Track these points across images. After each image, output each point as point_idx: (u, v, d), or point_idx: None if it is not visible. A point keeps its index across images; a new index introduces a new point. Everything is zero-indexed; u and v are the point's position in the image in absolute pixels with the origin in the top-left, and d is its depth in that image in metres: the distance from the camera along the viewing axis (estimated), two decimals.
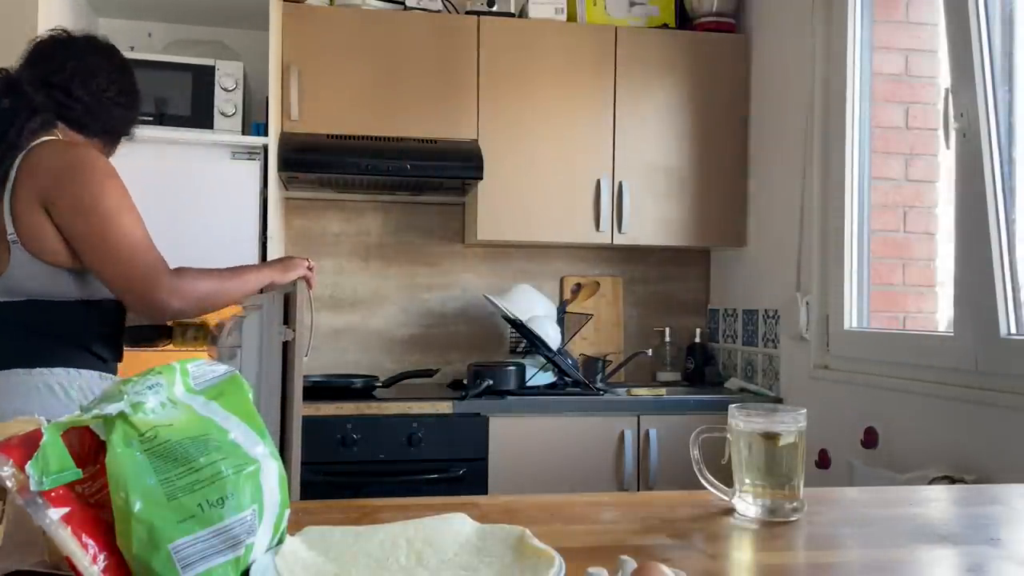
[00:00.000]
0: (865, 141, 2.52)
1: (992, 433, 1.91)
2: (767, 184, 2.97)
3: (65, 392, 1.56)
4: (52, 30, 1.71)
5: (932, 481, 1.94)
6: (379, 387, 2.76)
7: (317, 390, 2.67)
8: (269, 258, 2.57)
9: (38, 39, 1.70)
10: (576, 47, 2.96)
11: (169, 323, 1.97)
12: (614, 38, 2.98)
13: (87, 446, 0.69)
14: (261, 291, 1.80)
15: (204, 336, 2.00)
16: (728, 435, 1.03)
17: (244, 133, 2.68)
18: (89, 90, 1.67)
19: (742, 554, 0.80)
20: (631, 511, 1.01)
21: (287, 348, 1.76)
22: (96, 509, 0.66)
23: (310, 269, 1.91)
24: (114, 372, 1.71)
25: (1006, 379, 1.90)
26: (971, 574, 0.82)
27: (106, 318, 1.66)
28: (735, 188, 3.08)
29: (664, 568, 0.70)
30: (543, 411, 2.64)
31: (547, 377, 2.88)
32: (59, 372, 1.56)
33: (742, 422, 1.01)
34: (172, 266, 1.63)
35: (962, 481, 1.91)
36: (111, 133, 1.77)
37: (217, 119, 2.63)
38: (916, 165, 2.51)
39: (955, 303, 2.08)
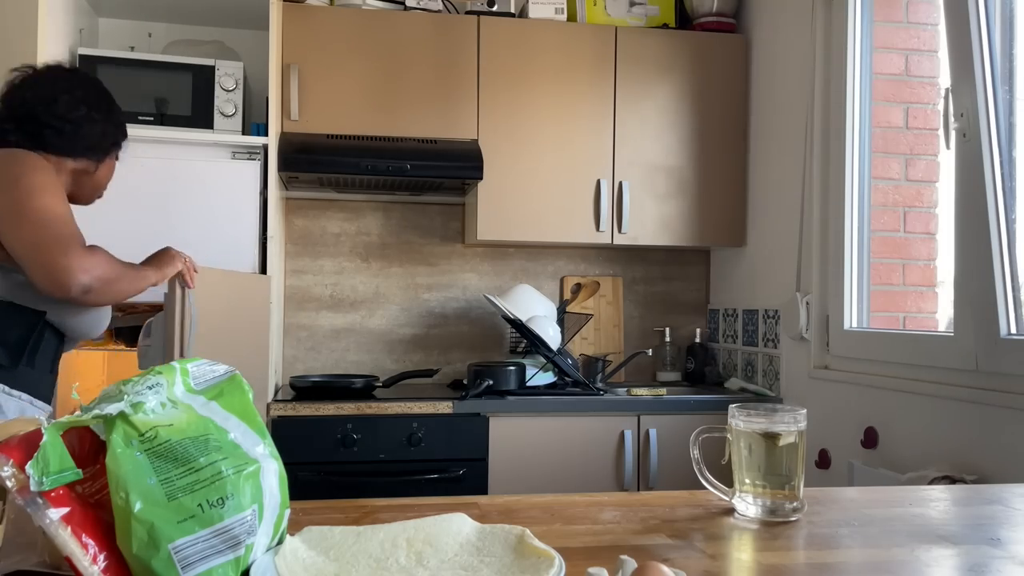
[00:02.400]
0: (865, 141, 2.52)
1: (992, 433, 1.91)
2: (767, 184, 2.97)
3: None
4: (17, 68, 1.78)
5: (932, 481, 1.94)
6: (379, 387, 2.76)
7: (317, 390, 2.67)
8: (269, 258, 2.57)
9: (6, 80, 1.77)
10: (576, 47, 2.96)
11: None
12: (614, 38, 2.98)
13: (87, 446, 0.69)
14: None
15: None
16: (728, 435, 1.03)
17: (244, 133, 2.68)
18: (55, 115, 1.70)
19: (742, 554, 0.80)
20: (631, 511, 1.01)
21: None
22: (96, 509, 0.66)
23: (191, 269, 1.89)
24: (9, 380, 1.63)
25: (1006, 379, 1.90)
26: (971, 574, 0.82)
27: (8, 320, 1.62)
28: (735, 188, 3.08)
29: (664, 568, 0.70)
30: (543, 411, 2.64)
31: (547, 377, 2.88)
32: None
33: (742, 422, 1.01)
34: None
35: (962, 481, 1.91)
36: (96, 149, 1.79)
37: (217, 119, 2.63)
38: (916, 165, 2.51)
39: (955, 303, 2.08)
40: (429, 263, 3.20)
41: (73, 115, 1.72)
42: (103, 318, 1.76)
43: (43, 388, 1.68)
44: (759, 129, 3.03)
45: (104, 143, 1.80)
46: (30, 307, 1.62)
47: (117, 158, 1.86)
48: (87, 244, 1.61)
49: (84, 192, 1.83)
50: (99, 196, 1.88)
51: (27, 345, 1.64)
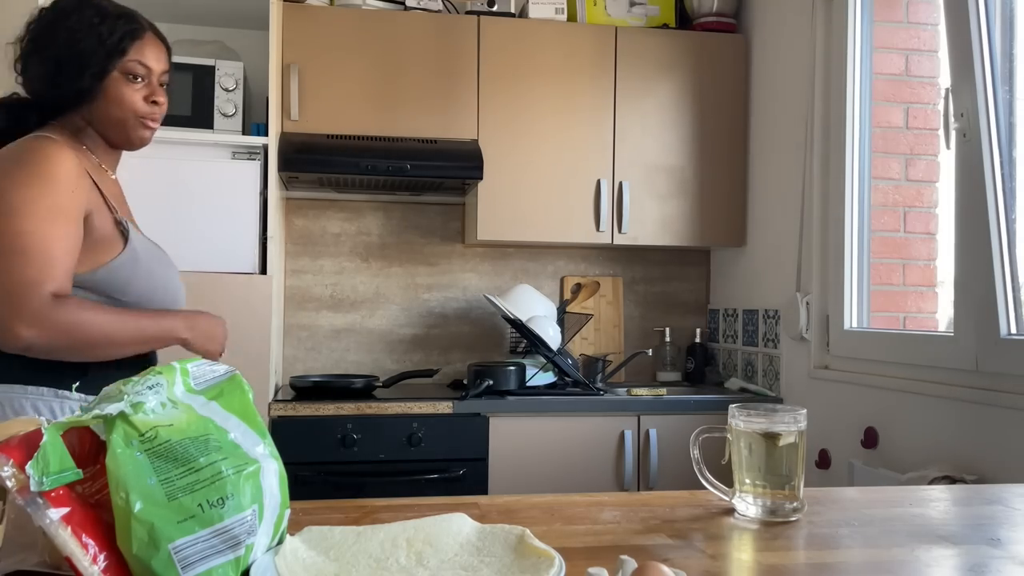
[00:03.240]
0: (865, 141, 2.52)
1: (992, 433, 1.91)
2: (767, 184, 2.97)
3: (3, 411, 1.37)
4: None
5: (932, 481, 1.94)
6: (379, 387, 2.76)
7: (317, 390, 2.67)
8: (269, 258, 2.57)
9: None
10: (576, 47, 2.95)
11: None
12: (614, 38, 2.98)
13: (87, 446, 0.69)
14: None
15: None
16: (728, 435, 1.03)
17: (244, 133, 2.68)
18: (19, 70, 1.46)
19: (742, 554, 0.80)
20: (631, 511, 1.01)
21: None
22: (96, 509, 0.66)
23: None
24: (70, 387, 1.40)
25: (1006, 379, 1.90)
26: (971, 574, 0.82)
27: None
28: (735, 188, 3.08)
29: (664, 568, 0.70)
30: (543, 411, 2.64)
31: (547, 377, 2.88)
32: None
33: (742, 422, 1.01)
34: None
35: (962, 481, 1.91)
36: (55, 106, 1.46)
37: (217, 119, 2.63)
38: (916, 165, 2.51)
39: (955, 303, 2.08)
40: (429, 263, 3.20)
41: (22, 63, 1.45)
42: (176, 301, 1.53)
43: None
44: (759, 129, 3.03)
45: (52, 92, 1.44)
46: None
47: (132, 75, 1.46)
48: (62, 289, 1.32)
49: (113, 133, 1.49)
50: (142, 125, 1.50)
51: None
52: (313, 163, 2.67)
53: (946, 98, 2.09)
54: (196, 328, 1.50)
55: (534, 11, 2.98)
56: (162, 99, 1.52)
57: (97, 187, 1.44)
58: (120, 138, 1.51)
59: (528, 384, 2.81)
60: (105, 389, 0.74)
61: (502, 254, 3.25)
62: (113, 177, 1.58)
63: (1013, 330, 1.94)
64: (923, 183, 2.51)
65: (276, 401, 2.54)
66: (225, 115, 2.64)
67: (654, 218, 3.01)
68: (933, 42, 2.50)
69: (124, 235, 1.46)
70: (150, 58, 1.49)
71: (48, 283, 1.30)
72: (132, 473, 0.65)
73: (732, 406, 1.03)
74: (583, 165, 2.95)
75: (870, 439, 2.31)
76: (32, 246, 1.30)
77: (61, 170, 1.35)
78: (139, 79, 1.47)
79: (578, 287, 3.29)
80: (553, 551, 0.76)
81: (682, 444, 2.69)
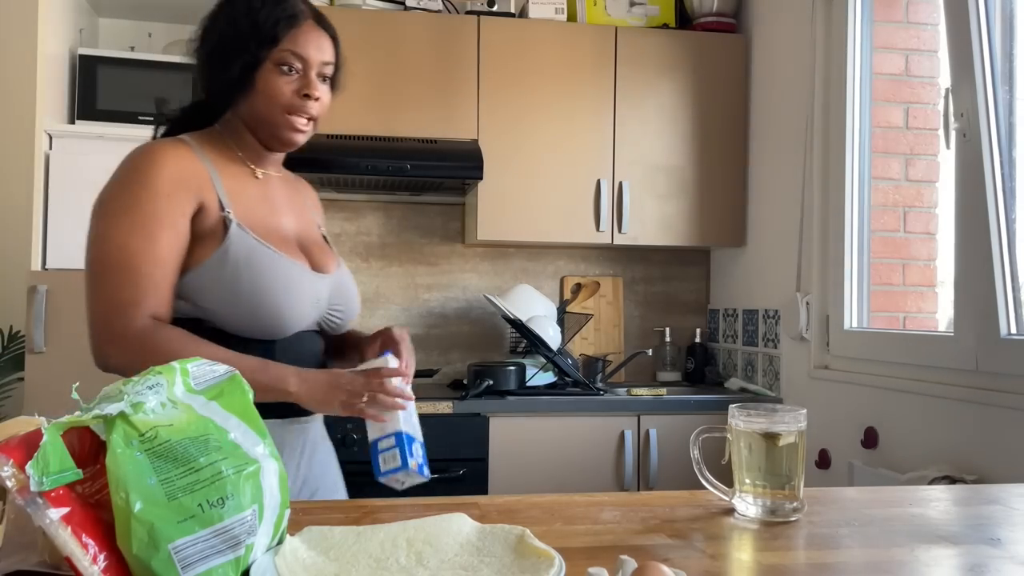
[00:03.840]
0: (865, 141, 2.52)
1: (992, 433, 1.91)
2: (767, 184, 2.97)
3: None
4: None
5: (932, 481, 1.94)
6: None
7: None
8: None
9: None
10: (576, 47, 2.95)
11: None
12: (614, 38, 2.98)
13: (87, 446, 0.68)
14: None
15: None
16: (728, 435, 1.03)
17: None
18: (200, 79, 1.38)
19: (742, 554, 0.80)
20: (631, 511, 1.00)
21: None
22: (96, 509, 0.66)
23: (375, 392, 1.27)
24: None
25: (1006, 379, 1.90)
26: (971, 574, 0.82)
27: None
28: (735, 188, 3.08)
29: (664, 568, 0.70)
30: (543, 411, 2.64)
31: (547, 377, 2.88)
32: None
33: (742, 422, 1.01)
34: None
35: (962, 481, 1.91)
36: (214, 102, 1.38)
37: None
38: (916, 165, 2.51)
39: (955, 303, 2.08)
40: (429, 263, 3.20)
41: (195, 65, 1.37)
42: (274, 316, 1.29)
43: None
44: (759, 129, 3.03)
45: (218, 91, 1.35)
46: (185, 316, 1.28)
47: (285, 66, 1.32)
48: (158, 320, 1.23)
49: (261, 131, 1.36)
50: (289, 124, 1.34)
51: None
52: (313, 163, 2.67)
53: (946, 98, 2.09)
54: (309, 381, 1.25)
55: (534, 11, 2.98)
56: (317, 93, 1.33)
57: (214, 186, 1.30)
58: (267, 136, 1.36)
59: (528, 384, 2.81)
60: (105, 389, 0.74)
61: (502, 254, 3.25)
62: (260, 176, 1.40)
63: (1013, 330, 1.94)
64: (923, 183, 2.51)
65: None
66: None
67: (654, 218, 3.01)
68: (933, 42, 2.50)
69: (225, 232, 1.29)
70: (307, 47, 1.33)
71: (144, 304, 1.21)
72: (132, 473, 0.65)
73: (732, 406, 1.03)
74: (583, 165, 2.95)
75: (870, 439, 2.31)
76: (128, 262, 1.22)
77: (158, 174, 1.25)
78: (292, 71, 1.32)
79: (578, 287, 3.29)
80: (553, 551, 0.76)
81: (682, 444, 2.69)
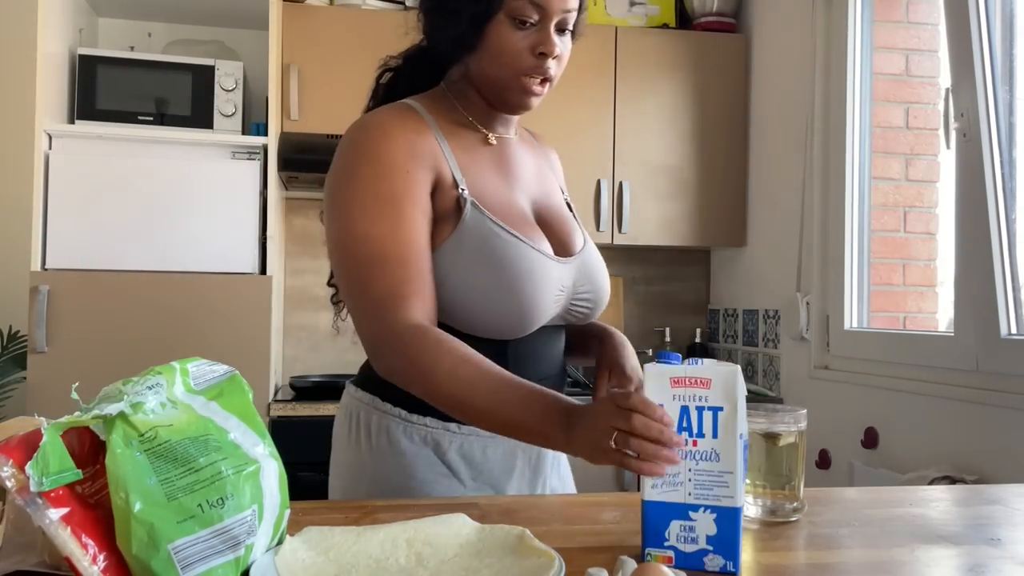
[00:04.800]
0: (865, 141, 2.52)
1: (992, 433, 1.91)
2: (767, 184, 2.97)
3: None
4: None
5: (932, 481, 1.94)
6: None
7: (317, 390, 2.67)
8: (269, 258, 2.57)
9: None
10: (576, 47, 2.94)
11: None
12: (614, 38, 2.98)
13: (87, 446, 0.68)
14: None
15: None
16: None
17: (244, 133, 2.68)
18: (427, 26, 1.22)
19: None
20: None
21: None
22: (96, 509, 0.66)
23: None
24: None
25: (1006, 379, 1.90)
26: (971, 574, 0.82)
27: None
28: (735, 188, 3.08)
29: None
30: None
31: None
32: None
33: None
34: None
35: (962, 481, 1.91)
36: (442, 57, 1.24)
37: (217, 119, 2.64)
38: (916, 165, 2.51)
39: (955, 303, 2.08)
40: None
41: (422, 14, 1.24)
42: (514, 314, 1.10)
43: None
44: (759, 129, 3.03)
45: (449, 30, 1.17)
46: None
47: (520, 18, 1.11)
48: (423, 304, 1.06)
49: (489, 93, 1.18)
50: (522, 87, 1.15)
51: None
52: (313, 163, 2.66)
53: (946, 98, 2.09)
54: (575, 430, 0.90)
55: None
56: (555, 50, 1.13)
57: (446, 159, 1.15)
58: (496, 99, 1.18)
59: None
60: (105, 389, 0.73)
61: None
62: (494, 142, 1.23)
63: (1013, 330, 1.94)
64: (923, 183, 2.51)
65: (276, 401, 2.54)
66: (225, 115, 2.64)
67: (654, 218, 3.01)
68: (933, 42, 2.50)
69: (460, 213, 1.12)
70: None
71: (407, 296, 1.05)
72: (132, 473, 0.65)
73: None
74: (583, 165, 2.95)
75: (870, 439, 2.31)
76: (377, 252, 1.06)
77: (389, 148, 1.10)
78: (528, 24, 1.11)
79: None
80: (553, 551, 0.75)
81: None
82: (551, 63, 1.13)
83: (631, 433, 0.80)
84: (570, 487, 1.33)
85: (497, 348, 1.11)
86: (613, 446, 0.83)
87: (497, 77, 1.14)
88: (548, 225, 1.21)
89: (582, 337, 1.32)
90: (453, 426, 1.15)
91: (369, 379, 1.18)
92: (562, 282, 1.16)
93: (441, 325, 1.09)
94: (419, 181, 1.10)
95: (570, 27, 1.15)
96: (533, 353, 1.17)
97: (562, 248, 1.19)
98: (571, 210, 1.30)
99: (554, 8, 1.10)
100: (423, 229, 1.09)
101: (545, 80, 1.14)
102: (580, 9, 1.17)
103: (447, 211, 1.12)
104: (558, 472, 1.30)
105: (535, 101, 1.17)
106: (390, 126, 1.12)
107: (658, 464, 0.79)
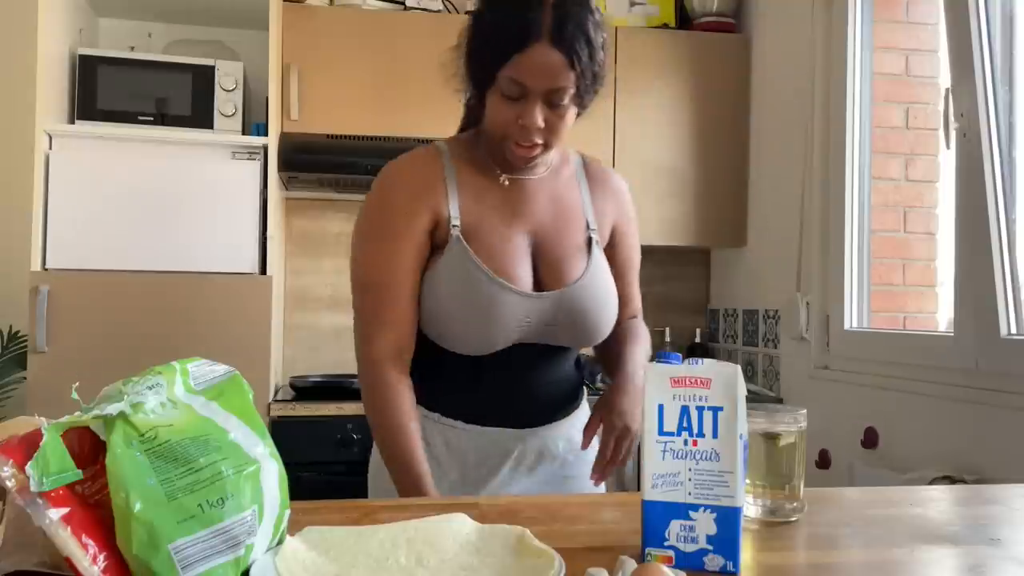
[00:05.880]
0: (865, 141, 2.52)
1: (992, 433, 1.91)
2: (767, 184, 2.96)
3: None
4: None
5: (932, 481, 1.94)
6: None
7: (317, 390, 2.67)
8: (269, 258, 2.56)
9: None
10: None
11: None
12: (614, 38, 2.98)
13: (87, 446, 0.68)
14: None
15: None
16: None
17: (244, 133, 2.68)
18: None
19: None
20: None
21: None
22: (96, 509, 0.66)
23: None
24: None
25: (1006, 379, 1.90)
26: (971, 574, 0.82)
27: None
28: (735, 188, 3.08)
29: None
30: None
31: None
32: None
33: None
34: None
35: (962, 481, 1.91)
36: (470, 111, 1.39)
37: (217, 119, 2.64)
38: (916, 165, 2.51)
39: (955, 303, 2.08)
40: None
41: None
42: (474, 337, 1.27)
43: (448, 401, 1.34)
44: (759, 129, 3.03)
45: (466, 84, 1.34)
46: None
47: (506, 92, 1.23)
48: (398, 338, 1.26)
49: (490, 146, 1.32)
50: (510, 150, 1.27)
51: (426, 369, 1.33)
52: (313, 163, 2.67)
53: (946, 98, 2.09)
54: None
55: None
56: (536, 123, 1.22)
57: (448, 197, 1.29)
58: (493, 153, 1.32)
59: None
60: (105, 389, 0.74)
61: None
62: (506, 183, 1.34)
63: (1013, 330, 1.94)
64: (923, 183, 2.51)
65: (276, 401, 2.54)
66: (225, 115, 2.64)
67: (654, 218, 3.01)
68: (933, 42, 2.50)
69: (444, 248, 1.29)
70: (529, 74, 1.20)
71: (385, 324, 1.26)
72: (132, 473, 0.65)
73: None
74: None
75: (870, 439, 2.31)
76: (370, 281, 1.27)
77: (396, 192, 1.29)
78: (514, 97, 1.22)
79: None
80: (553, 551, 0.75)
81: None
82: (535, 133, 1.23)
83: None
84: (576, 483, 1.41)
85: (473, 361, 1.28)
86: None
87: (491, 137, 1.29)
88: (543, 258, 1.32)
89: (608, 359, 1.45)
90: (435, 416, 1.32)
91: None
92: (528, 313, 1.27)
93: (424, 337, 1.29)
94: (417, 217, 1.27)
95: (564, 101, 1.23)
96: (503, 368, 1.30)
97: (552, 280, 1.31)
98: (591, 244, 1.38)
99: (535, 87, 1.20)
100: (411, 263, 1.27)
101: (526, 143, 1.25)
102: (580, 84, 1.24)
103: (442, 244, 1.28)
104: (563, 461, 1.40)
105: (527, 161, 1.28)
106: (400, 173, 1.31)
107: None
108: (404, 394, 1.25)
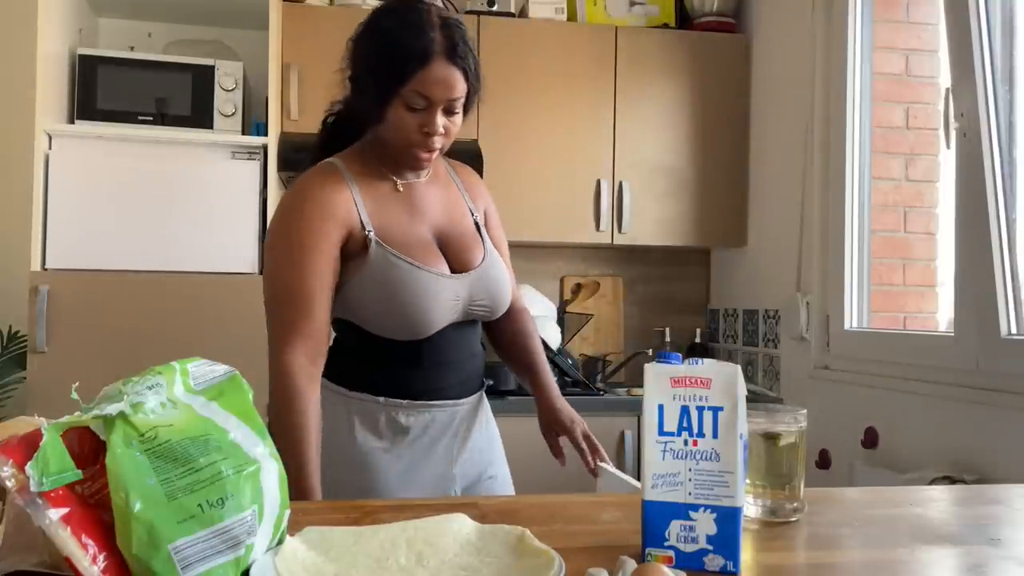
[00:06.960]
0: (865, 141, 2.52)
1: (992, 433, 1.91)
2: (767, 184, 2.96)
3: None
4: None
5: (932, 481, 1.94)
6: None
7: None
8: None
9: None
10: (576, 47, 2.95)
11: None
12: (614, 38, 2.98)
13: (87, 446, 0.68)
14: None
15: None
16: None
17: (244, 133, 2.68)
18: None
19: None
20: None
21: None
22: (96, 509, 0.66)
23: None
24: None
25: (1006, 379, 1.90)
26: (971, 574, 0.82)
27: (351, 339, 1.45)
28: (735, 188, 3.08)
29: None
30: None
31: None
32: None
33: None
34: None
35: (962, 481, 1.91)
36: (362, 111, 1.47)
37: (217, 119, 2.63)
38: (916, 165, 2.51)
39: (955, 303, 2.08)
40: None
41: (347, 82, 1.48)
42: (414, 324, 1.40)
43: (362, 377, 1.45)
44: (759, 129, 3.03)
45: (362, 102, 1.45)
46: (341, 318, 1.44)
47: (411, 105, 1.36)
48: (315, 353, 1.35)
49: (391, 155, 1.44)
50: (413, 156, 1.42)
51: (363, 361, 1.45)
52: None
53: (946, 98, 2.09)
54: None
55: (534, 11, 2.98)
56: (438, 130, 1.38)
57: (357, 209, 1.40)
58: (396, 161, 1.45)
59: None
60: (105, 389, 0.74)
61: None
62: (402, 188, 1.47)
63: (1013, 330, 1.94)
64: (923, 183, 2.51)
65: None
66: (225, 115, 2.64)
67: (654, 218, 3.01)
68: (933, 42, 2.50)
69: (368, 251, 1.39)
70: (433, 88, 1.34)
71: (297, 331, 1.33)
72: (132, 473, 0.65)
73: None
74: (583, 165, 2.95)
75: (870, 439, 2.31)
76: (282, 293, 1.36)
77: (307, 210, 1.38)
78: (418, 109, 1.36)
79: (578, 287, 3.28)
80: (553, 551, 0.75)
81: None
82: (436, 139, 1.39)
83: None
84: (497, 444, 1.72)
85: (411, 344, 1.41)
86: None
87: (393, 146, 1.42)
88: (448, 248, 1.47)
89: (512, 358, 1.73)
90: (382, 399, 1.43)
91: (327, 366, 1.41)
92: (456, 293, 1.43)
93: (362, 331, 1.40)
94: (328, 234, 1.36)
95: (458, 109, 1.40)
96: (446, 344, 1.45)
97: (461, 265, 1.47)
98: (479, 228, 1.56)
99: (438, 98, 1.36)
100: (326, 276, 1.36)
101: (429, 149, 1.40)
102: (469, 92, 1.42)
103: (359, 250, 1.39)
104: (485, 431, 1.64)
105: (426, 164, 1.46)
106: (311, 190, 1.40)
107: None
108: (313, 403, 1.35)
